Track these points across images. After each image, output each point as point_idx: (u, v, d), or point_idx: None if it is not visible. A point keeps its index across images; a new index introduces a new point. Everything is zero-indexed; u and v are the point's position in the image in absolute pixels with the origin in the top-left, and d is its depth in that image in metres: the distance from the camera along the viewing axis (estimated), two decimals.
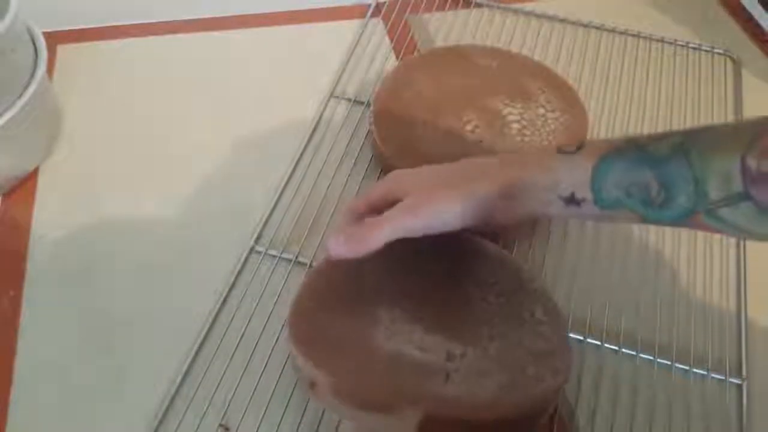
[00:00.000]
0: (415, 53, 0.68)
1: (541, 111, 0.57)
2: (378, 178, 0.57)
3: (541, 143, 0.55)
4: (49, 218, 0.54)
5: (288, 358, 0.46)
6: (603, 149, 0.40)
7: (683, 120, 0.64)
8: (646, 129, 0.63)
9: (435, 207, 0.41)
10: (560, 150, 0.42)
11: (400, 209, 0.41)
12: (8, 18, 0.50)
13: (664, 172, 0.37)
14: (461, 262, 0.46)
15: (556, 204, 0.41)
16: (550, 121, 0.56)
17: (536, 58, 0.65)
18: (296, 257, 0.51)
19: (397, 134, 0.56)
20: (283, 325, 0.47)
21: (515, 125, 0.56)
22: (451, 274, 0.46)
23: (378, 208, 0.43)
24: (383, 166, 0.57)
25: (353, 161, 0.58)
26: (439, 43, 0.70)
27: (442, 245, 0.46)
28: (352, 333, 0.42)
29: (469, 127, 0.56)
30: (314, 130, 0.61)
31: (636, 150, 0.39)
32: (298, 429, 0.43)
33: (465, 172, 0.43)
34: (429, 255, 0.46)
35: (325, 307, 0.43)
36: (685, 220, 0.38)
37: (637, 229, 0.55)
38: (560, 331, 0.43)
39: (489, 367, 0.40)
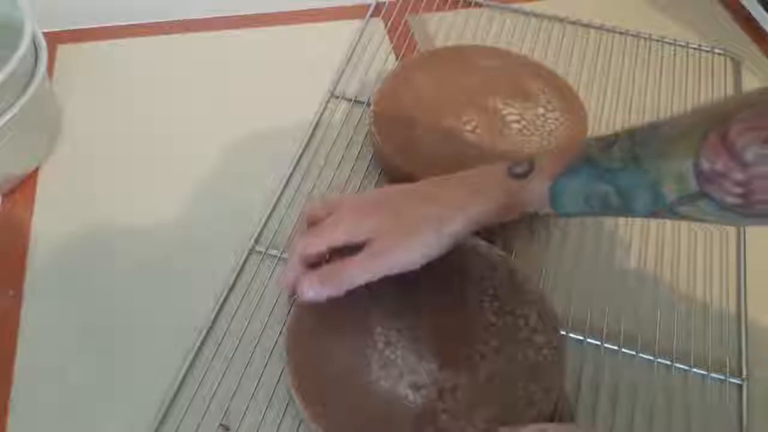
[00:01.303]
0: (415, 53, 0.68)
1: (541, 111, 0.57)
2: (378, 178, 0.57)
3: (540, 143, 0.55)
4: (49, 218, 0.54)
5: None
6: (556, 168, 0.41)
7: None
8: None
9: (398, 255, 0.42)
10: (511, 171, 0.43)
11: (367, 256, 0.42)
12: (25, 42, 0.51)
13: (620, 183, 0.39)
14: (456, 266, 0.46)
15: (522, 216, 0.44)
16: (550, 121, 0.56)
17: (536, 57, 0.65)
18: None
19: (397, 134, 0.56)
20: (282, 326, 0.47)
21: (515, 125, 0.56)
22: (446, 279, 0.46)
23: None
24: (383, 165, 0.57)
25: (353, 161, 0.58)
26: (439, 43, 0.70)
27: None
28: (347, 368, 0.42)
29: (468, 127, 0.56)
30: (314, 130, 0.61)
31: (588, 165, 0.40)
32: (297, 429, 0.44)
33: (420, 211, 0.43)
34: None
35: (320, 332, 0.44)
36: (647, 216, 0.40)
37: (637, 230, 0.55)
38: (554, 338, 0.43)
39: (480, 399, 0.41)
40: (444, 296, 0.45)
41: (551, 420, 0.42)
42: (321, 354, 0.43)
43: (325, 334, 0.44)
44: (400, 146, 0.55)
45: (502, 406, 0.40)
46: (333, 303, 0.43)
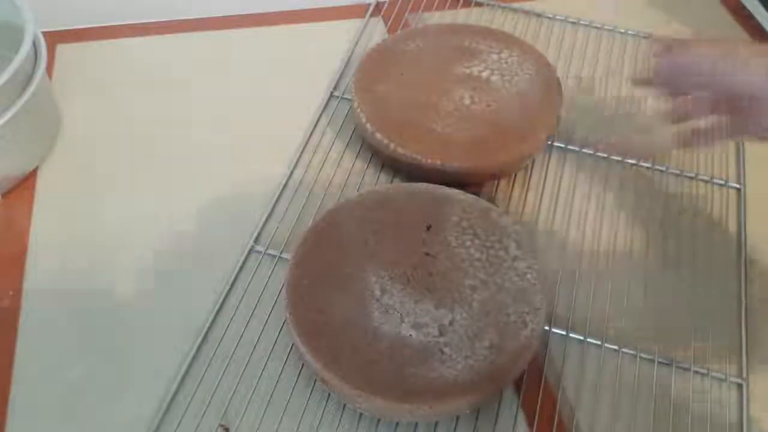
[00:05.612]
0: (365, 55, 0.64)
1: (495, 57, 0.61)
2: (378, 176, 0.57)
3: (530, 76, 0.59)
4: (49, 218, 0.54)
5: (288, 355, 0.46)
6: None
7: None
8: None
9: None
10: None
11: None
12: (26, 44, 0.51)
13: None
14: (435, 213, 0.49)
15: None
16: (511, 60, 0.61)
17: None
18: None
19: (396, 129, 0.55)
20: (282, 325, 0.47)
21: (495, 77, 0.59)
22: (428, 226, 0.48)
23: None
24: (383, 163, 0.57)
25: (353, 160, 0.58)
26: None
27: (416, 201, 0.50)
28: (349, 318, 0.44)
29: (467, 101, 0.57)
30: (314, 129, 0.61)
31: None
32: (297, 429, 0.44)
33: None
34: (405, 212, 0.49)
35: (318, 289, 0.45)
36: None
37: (638, 229, 0.55)
38: (534, 262, 0.47)
39: (477, 328, 0.44)
40: (429, 242, 0.48)
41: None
42: (322, 309, 0.44)
43: (323, 290, 0.45)
44: (400, 138, 0.55)
45: (498, 330, 0.44)
46: (328, 260, 0.46)
